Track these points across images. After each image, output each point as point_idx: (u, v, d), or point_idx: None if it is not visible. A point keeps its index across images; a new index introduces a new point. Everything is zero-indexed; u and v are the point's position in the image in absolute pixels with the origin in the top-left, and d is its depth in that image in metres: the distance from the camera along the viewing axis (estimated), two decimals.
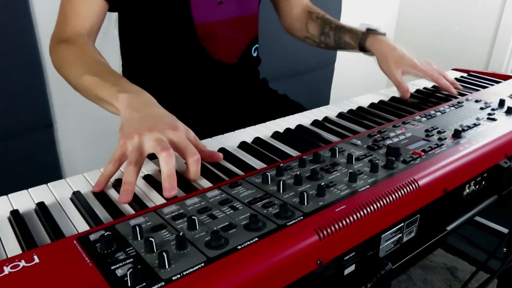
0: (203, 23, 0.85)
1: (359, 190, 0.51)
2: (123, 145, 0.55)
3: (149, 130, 0.55)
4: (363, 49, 0.96)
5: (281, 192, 0.51)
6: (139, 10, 0.85)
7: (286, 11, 1.07)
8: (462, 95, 0.92)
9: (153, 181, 0.58)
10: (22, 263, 0.38)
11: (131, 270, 0.36)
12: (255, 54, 0.99)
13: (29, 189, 0.55)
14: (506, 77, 1.04)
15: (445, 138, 0.66)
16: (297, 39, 1.10)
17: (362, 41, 0.95)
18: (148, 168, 0.61)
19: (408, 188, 0.53)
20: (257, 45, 0.99)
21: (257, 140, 0.71)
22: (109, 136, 1.49)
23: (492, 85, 0.99)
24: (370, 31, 0.95)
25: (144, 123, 0.56)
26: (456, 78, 1.07)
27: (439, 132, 0.68)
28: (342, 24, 1.01)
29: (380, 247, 0.53)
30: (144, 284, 0.36)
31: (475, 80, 1.05)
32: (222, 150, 0.67)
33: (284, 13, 1.07)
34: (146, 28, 0.87)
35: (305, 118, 0.82)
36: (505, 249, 1.05)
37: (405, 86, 0.91)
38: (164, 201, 0.53)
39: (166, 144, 0.53)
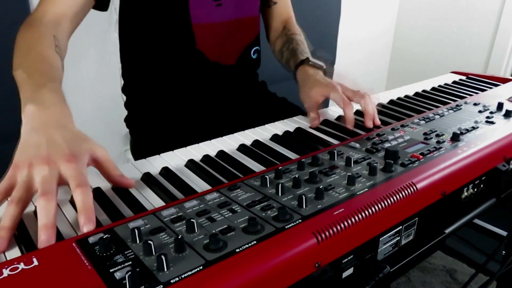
0: (201, 23, 0.86)
1: (358, 193, 0.51)
2: (12, 176, 0.48)
3: (41, 161, 0.47)
4: (294, 76, 0.91)
5: (279, 195, 0.51)
6: (138, 10, 0.85)
7: (267, 20, 1.06)
8: (461, 98, 0.92)
9: (152, 182, 0.58)
10: (21, 266, 0.39)
11: (129, 273, 0.36)
12: (254, 56, 0.99)
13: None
14: (504, 80, 1.05)
15: (444, 141, 0.66)
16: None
17: (295, 68, 0.90)
18: (146, 168, 0.61)
19: (406, 191, 0.53)
20: (257, 47, 0.99)
21: (256, 142, 0.71)
22: (109, 139, 1.50)
23: (490, 88, 0.99)
24: (305, 61, 0.89)
25: (38, 151, 0.48)
26: (454, 81, 1.08)
27: (437, 135, 0.68)
28: (302, 48, 0.94)
29: (379, 250, 0.53)
30: (143, 287, 0.36)
31: (474, 83, 1.06)
32: (221, 152, 0.67)
33: (266, 22, 1.07)
34: (145, 29, 0.87)
35: (304, 120, 0.82)
36: (504, 252, 1.05)
37: (315, 114, 0.80)
38: (163, 203, 0.53)
39: (50, 187, 0.46)
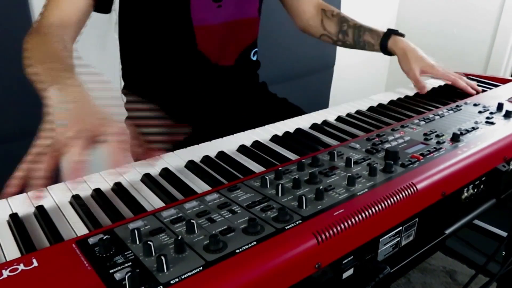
0: (202, 25, 0.86)
1: (358, 193, 0.51)
2: (38, 144, 0.51)
3: (69, 130, 0.50)
4: (384, 48, 1.00)
5: (279, 195, 0.51)
6: (138, 12, 0.85)
7: (299, 10, 1.08)
8: (461, 98, 0.92)
9: (152, 183, 0.58)
10: (21, 267, 0.39)
11: (129, 273, 0.36)
12: (254, 58, 1.00)
13: (28, 193, 0.55)
14: (504, 81, 1.05)
15: (444, 142, 0.66)
16: (312, 37, 1.12)
17: (383, 41, 0.99)
18: (146, 169, 0.61)
19: (406, 192, 0.53)
20: (256, 49, 0.99)
21: (256, 143, 0.71)
22: None
23: (490, 88, 0.99)
24: (391, 32, 0.99)
25: (65, 125, 0.51)
26: None
27: (437, 136, 0.68)
28: (360, 23, 1.04)
29: (379, 250, 0.53)
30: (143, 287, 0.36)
31: None
32: (221, 153, 0.67)
33: (296, 12, 1.09)
34: (145, 30, 0.87)
35: (304, 121, 0.82)
36: (504, 253, 1.05)
37: (422, 83, 0.96)
38: (162, 204, 0.53)
39: (80, 140, 0.49)
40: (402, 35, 0.99)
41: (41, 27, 0.73)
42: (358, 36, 1.03)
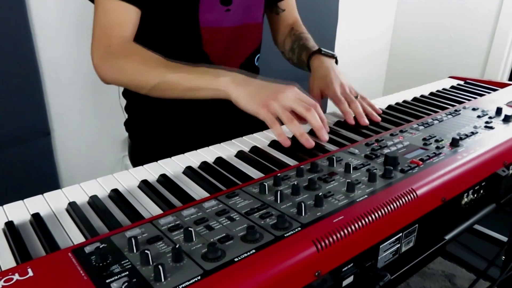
0: (209, 27, 0.86)
1: (357, 200, 0.51)
2: (267, 112, 0.65)
3: (277, 94, 0.64)
4: (308, 66, 0.94)
5: (278, 202, 0.50)
6: (149, 11, 0.85)
7: (275, 25, 1.08)
8: (459, 103, 0.92)
9: (150, 190, 0.57)
10: (16, 277, 0.38)
11: (126, 283, 0.36)
12: (257, 64, 1.00)
13: (25, 200, 0.54)
14: (503, 85, 1.05)
15: (443, 147, 0.66)
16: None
17: (308, 58, 0.94)
18: (144, 175, 0.61)
19: (406, 198, 0.52)
20: (259, 55, 1.00)
21: (255, 149, 0.71)
22: (107, 144, 1.49)
23: (489, 93, 0.99)
24: (318, 51, 0.92)
25: (267, 92, 0.64)
26: (452, 86, 1.08)
27: (436, 141, 0.68)
28: (311, 44, 0.98)
29: (379, 257, 0.53)
30: None
31: (472, 88, 1.06)
32: (219, 159, 0.67)
33: (273, 27, 1.09)
34: (152, 29, 0.87)
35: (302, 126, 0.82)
36: (503, 257, 1.04)
37: (316, 100, 0.75)
38: (160, 211, 0.52)
39: (305, 101, 0.65)
40: (330, 56, 0.91)
41: (121, 48, 0.77)
42: (299, 55, 0.98)
